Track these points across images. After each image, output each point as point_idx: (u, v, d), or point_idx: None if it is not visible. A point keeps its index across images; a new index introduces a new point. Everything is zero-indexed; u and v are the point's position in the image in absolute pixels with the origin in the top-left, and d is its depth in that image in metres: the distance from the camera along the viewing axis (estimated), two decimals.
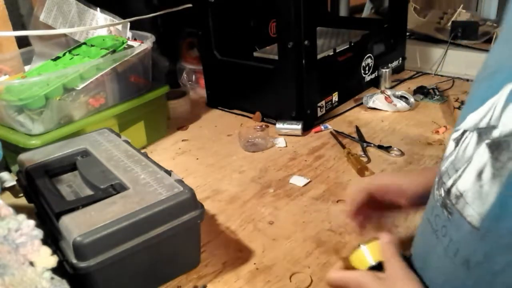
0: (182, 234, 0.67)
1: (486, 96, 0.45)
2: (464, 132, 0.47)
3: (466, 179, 0.44)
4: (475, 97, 0.48)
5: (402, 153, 1.02)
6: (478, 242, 0.42)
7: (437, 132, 1.10)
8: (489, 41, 1.46)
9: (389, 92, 1.27)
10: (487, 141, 0.42)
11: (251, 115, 1.28)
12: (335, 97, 1.27)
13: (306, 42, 1.10)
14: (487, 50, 1.45)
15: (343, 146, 1.07)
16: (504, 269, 0.40)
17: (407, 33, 1.52)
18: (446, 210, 0.47)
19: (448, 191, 0.46)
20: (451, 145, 0.49)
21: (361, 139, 1.10)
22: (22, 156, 0.81)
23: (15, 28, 1.16)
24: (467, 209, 0.43)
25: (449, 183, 0.47)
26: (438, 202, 0.48)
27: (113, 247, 0.60)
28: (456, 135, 0.49)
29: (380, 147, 1.05)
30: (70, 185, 0.76)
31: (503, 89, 0.42)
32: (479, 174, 0.42)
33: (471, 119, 0.46)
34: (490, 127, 0.42)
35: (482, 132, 0.43)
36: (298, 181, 0.95)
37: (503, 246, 0.40)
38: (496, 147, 0.41)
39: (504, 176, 0.39)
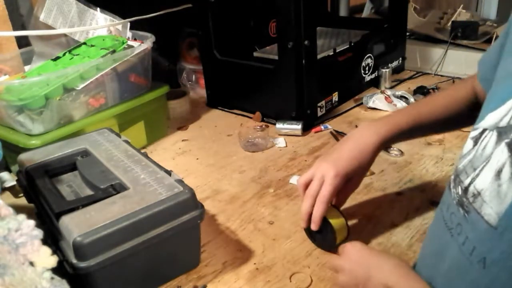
0: (182, 234, 0.67)
1: (506, 96, 0.45)
2: (484, 131, 0.47)
3: (484, 178, 0.44)
4: (495, 96, 0.48)
5: (402, 153, 1.02)
6: (495, 241, 0.42)
7: None
8: (489, 41, 1.46)
9: (389, 92, 1.27)
10: (507, 140, 0.42)
11: (251, 115, 1.28)
12: (335, 97, 1.27)
13: (306, 42, 1.10)
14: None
15: None
16: None
17: (407, 33, 1.52)
18: (462, 208, 0.46)
19: (465, 190, 0.46)
20: (469, 143, 0.49)
21: None
22: (22, 156, 0.81)
23: (15, 28, 1.16)
24: (485, 208, 0.43)
25: (466, 181, 0.46)
26: (454, 200, 0.48)
27: (113, 247, 0.60)
28: (474, 133, 0.48)
29: None
30: (70, 185, 0.76)
31: None
32: (498, 173, 0.42)
33: (491, 118, 0.46)
34: (510, 126, 0.43)
35: (502, 131, 0.43)
36: None
37: None
38: None
39: None
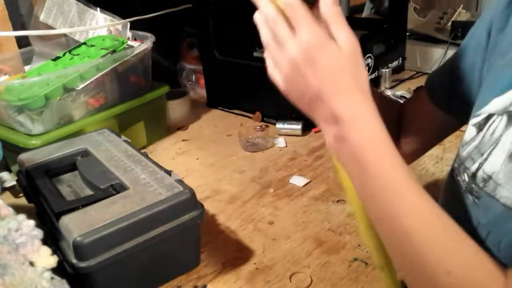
0: (182, 234, 0.67)
1: None
2: (489, 116, 0.47)
3: (494, 161, 0.44)
4: (499, 82, 0.48)
5: None
6: None
7: None
8: None
9: (389, 92, 1.27)
10: None
11: (251, 115, 1.28)
12: None
13: None
14: None
15: None
16: None
17: (407, 33, 1.52)
18: (471, 195, 0.46)
19: (473, 176, 0.46)
20: (471, 130, 0.49)
21: None
22: (22, 156, 0.81)
23: (15, 28, 1.15)
24: (500, 191, 0.42)
25: (473, 167, 0.46)
26: (461, 189, 0.48)
27: (113, 247, 0.60)
28: (477, 119, 0.48)
29: None
30: (70, 185, 0.76)
31: None
32: (511, 155, 0.42)
33: (497, 103, 0.46)
34: None
35: None
36: (298, 181, 0.95)
37: None
38: None
39: None
